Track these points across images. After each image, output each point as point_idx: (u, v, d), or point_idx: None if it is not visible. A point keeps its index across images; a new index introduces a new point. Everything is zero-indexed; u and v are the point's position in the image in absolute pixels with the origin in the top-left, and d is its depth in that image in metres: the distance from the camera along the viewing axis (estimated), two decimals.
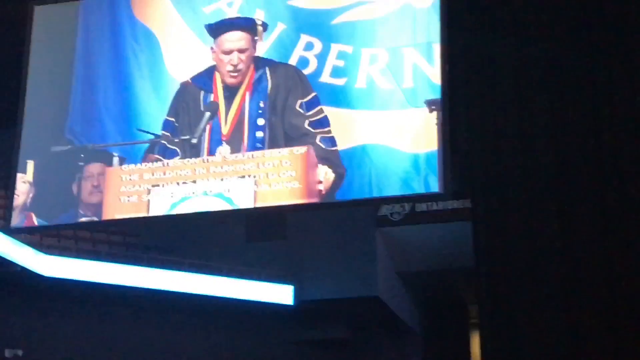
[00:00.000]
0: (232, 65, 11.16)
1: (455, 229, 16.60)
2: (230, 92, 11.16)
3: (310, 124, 10.77)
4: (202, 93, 11.29)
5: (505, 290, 11.10)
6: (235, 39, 11.28)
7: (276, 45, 11.21)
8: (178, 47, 11.57)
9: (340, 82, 10.89)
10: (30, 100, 11.97)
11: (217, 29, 11.37)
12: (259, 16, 11.33)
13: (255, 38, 11.20)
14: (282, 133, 10.84)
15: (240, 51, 11.22)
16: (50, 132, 11.76)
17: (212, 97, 11.22)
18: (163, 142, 11.18)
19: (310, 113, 10.81)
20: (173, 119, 11.29)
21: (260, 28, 11.24)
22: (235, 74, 11.17)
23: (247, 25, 11.32)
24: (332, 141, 10.66)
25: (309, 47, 11.09)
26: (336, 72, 10.92)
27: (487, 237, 11.35)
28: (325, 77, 10.93)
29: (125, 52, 11.75)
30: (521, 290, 10.99)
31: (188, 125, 11.20)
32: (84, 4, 12.32)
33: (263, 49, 11.20)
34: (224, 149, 10.97)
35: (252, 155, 10.83)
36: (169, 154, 11.14)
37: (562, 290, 10.83)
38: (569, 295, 10.80)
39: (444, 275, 18.98)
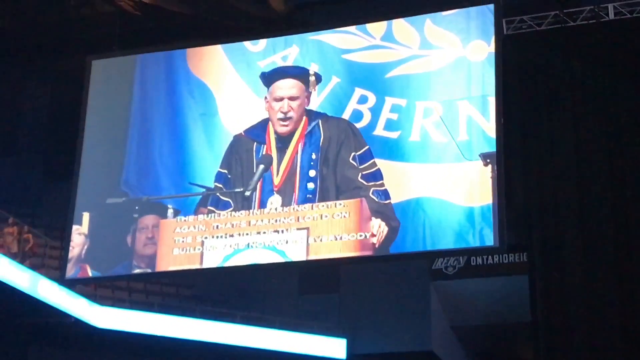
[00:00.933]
0: (282, 112, 11.23)
1: (511, 283, 16.34)
2: (283, 143, 11.20)
3: (363, 177, 10.75)
4: (255, 144, 11.35)
5: (563, 346, 10.91)
6: (287, 86, 11.38)
7: (330, 98, 11.24)
8: (233, 100, 11.68)
9: (394, 135, 10.87)
10: (86, 153, 12.13)
11: (270, 77, 11.50)
12: (314, 69, 11.41)
13: (309, 90, 11.26)
14: (334, 185, 10.83)
15: (291, 99, 11.30)
16: (105, 184, 11.88)
17: (264, 149, 11.27)
18: (216, 194, 11.23)
19: (363, 166, 10.80)
20: (226, 171, 11.35)
21: (312, 78, 11.31)
22: (286, 122, 11.22)
23: (299, 74, 11.42)
24: (385, 194, 10.60)
25: (363, 100, 11.10)
26: (390, 125, 10.91)
27: (544, 291, 11.18)
28: (379, 130, 10.92)
29: (181, 105, 11.88)
30: (579, 345, 10.79)
31: (241, 177, 11.25)
32: (141, 58, 12.52)
33: (317, 101, 11.25)
34: (275, 200, 10.99)
35: (305, 207, 10.82)
36: (221, 205, 11.18)
37: (622, 344, 10.60)
38: (629, 349, 10.57)
39: (499, 329, 18.65)
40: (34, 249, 15.52)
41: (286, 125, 11.20)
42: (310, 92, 11.25)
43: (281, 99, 11.26)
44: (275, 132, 11.26)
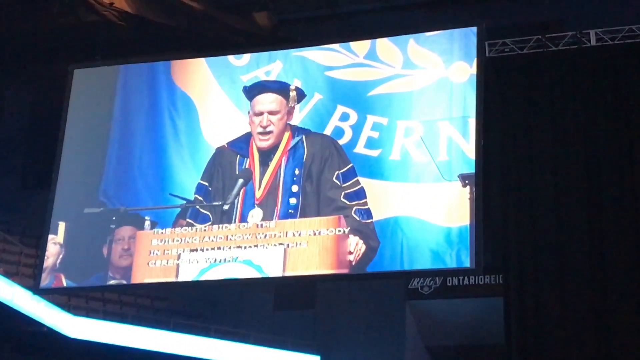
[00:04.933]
0: (261, 126, 11.23)
1: (487, 305, 16.38)
2: (266, 157, 11.19)
3: (345, 196, 10.74)
4: (238, 157, 11.34)
5: None
6: (267, 100, 11.38)
7: (312, 115, 11.26)
8: (215, 114, 11.67)
9: (374, 153, 10.90)
10: (65, 162, 12.07)
11: (251, 91, 11.50)
12: (297, 85, 11.42)
13: (290, 104, 11.26)
14: (316, 203, 10.82)
15: (271, 113, 11.30)
16: (83, 194, 11.82)
17: (247, 162, 11.25)
18: (196, 206, 11.19)
19: (346, 184, 10.80)
20: (207, 183, 11.32)
21: (293, 93, 11.32)
22: (266, 137, 11.21)
23: (279, 88, 11.43)
24: (367, 213, 10.59)
25: (344, 117, 11.13)
26: (371, 143, 10.93)
27: (519, 314, 11.19)
28: (360, 148, 10.94)
29: (162, 117, 11.86)
30: None
31: (222, 190, 11.23)
32: (124, 68, 12.49)
33: (299, 117, 11.26)
34: (256, 213, 10.97)
35: (283, 223, 10.81)
36: (200, 218, 11.15)
37: None
38: None
39: (473, 351, 18.66)
40: None
41: (266, 140, 11.20)
42: (292, 107, 11.25)
43: (261, 114, 11.28)
44: (257, 148, 11.26)
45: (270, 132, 11.19)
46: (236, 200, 11.10)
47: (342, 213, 10.61)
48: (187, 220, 11.16)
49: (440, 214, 10.40)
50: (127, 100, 12.16)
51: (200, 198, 11.24)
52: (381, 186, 10.72)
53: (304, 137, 11.15)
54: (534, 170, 11.48)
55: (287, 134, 11.19)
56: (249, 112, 11.40)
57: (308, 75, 11.45)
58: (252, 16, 15.19)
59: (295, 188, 10.95)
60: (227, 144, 11.43)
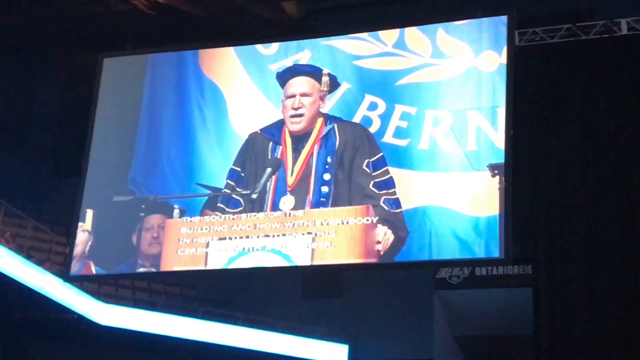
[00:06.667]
0: (293, 109, 11.21)
1: (515, 295, 16.33)
2: (298, 143, 11.19)
3: (374, 185, 10.71)
4: (270, 144, 11.35)
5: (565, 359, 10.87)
6: (299, 83, 11.37)
7: (340, 104, 11.25)
8: (243, 103, 11.68)
9: (403, 142, 10.87)
10: (95, 150, 12.14)
11: (283, 75, 11.49)
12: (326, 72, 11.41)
13: (323, 89, 11.23)
14: (348, 191, 10.81)
15: (303, 95, 11.28)
16: (112, 182, 11.89)
17: (280, 150, 11.26)
18: (227, 193, 11.23)
19: (375, 173, 10.77)
20: (239, 169, 11.35)
21: (325, 78, 11.27)
22: (298, 120, 11.19)
23: (312, 72, 11.40)
24: (396, 203, 10.57)
25: (373, 107, 11.11)
26: (399, 133, 10.90)
27: (548, 305, 11.14)
28: (388, 138, 10.92)
29: (191, 106, 11.90)
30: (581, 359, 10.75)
31: (254, 175, 11.24)
32: (153, 57, 12.54)
33: (328, 106, 11.25)
34: (288, 200, 10.97)
35: (311, 212, 10.82)
36: (232, 204, 11.19)
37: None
38: None
39: (501, 341, 18.62)
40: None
41: (298, 123, 11.18)
42: (325, 93, 11.22)
43: (293, 96, 11.26)
44: (290, 132, 11.25)
45: (302, 115, 11.19)
46: (268, 187, 11.11)
47: (370, 202, 10.59)
48: (219, 205, 11.20)
49: (469, 204, 10.36)
50: (156, 89, 12.21)
51: (233, 183, 11.28)
52: (410, 176, 10.70)
53: (336, 125, 11.14)
54: (564, 161, 11.40)
55: (319, 121, 11.18)
56: (282, 100, 11.38)
57: (336, 65, 11.43)
58: (280, 5, 15.22)
59: (327, 176, 10.96)
60: (260, 130, 11.44)
